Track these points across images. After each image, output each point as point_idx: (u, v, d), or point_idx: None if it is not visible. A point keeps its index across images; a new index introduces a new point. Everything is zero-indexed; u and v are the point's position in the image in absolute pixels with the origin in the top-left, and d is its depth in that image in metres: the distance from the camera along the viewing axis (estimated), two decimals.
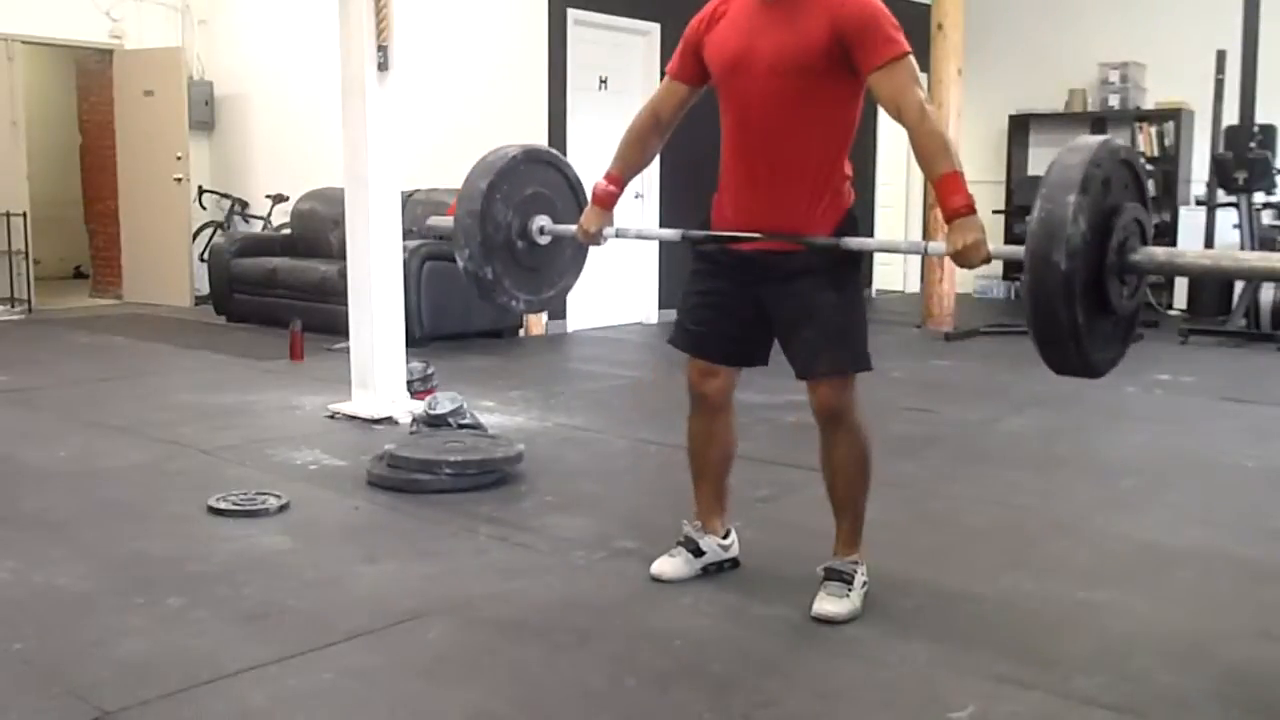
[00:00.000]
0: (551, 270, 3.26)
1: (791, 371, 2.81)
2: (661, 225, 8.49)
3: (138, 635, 2.63)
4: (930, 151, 2.55)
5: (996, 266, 10.51)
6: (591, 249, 3.20)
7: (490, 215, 3.06)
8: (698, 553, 3.02)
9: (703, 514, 3.05)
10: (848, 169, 2.78)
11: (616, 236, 3.10)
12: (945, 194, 2.51)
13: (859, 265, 2.86)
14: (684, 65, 2.88)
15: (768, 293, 2.79)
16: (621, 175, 3.03)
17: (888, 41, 2.58)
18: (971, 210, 2.51)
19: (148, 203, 9.40)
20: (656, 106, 2.97)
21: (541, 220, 3.13)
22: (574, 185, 3.25)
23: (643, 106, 3.03)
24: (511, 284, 3.14)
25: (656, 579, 2.99)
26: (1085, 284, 2.21)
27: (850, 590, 2.77)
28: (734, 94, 2.76)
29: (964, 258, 2.52)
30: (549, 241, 3.16)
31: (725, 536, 3.07)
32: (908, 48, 2.60)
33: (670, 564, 3.02)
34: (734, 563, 3.08)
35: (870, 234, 10.52)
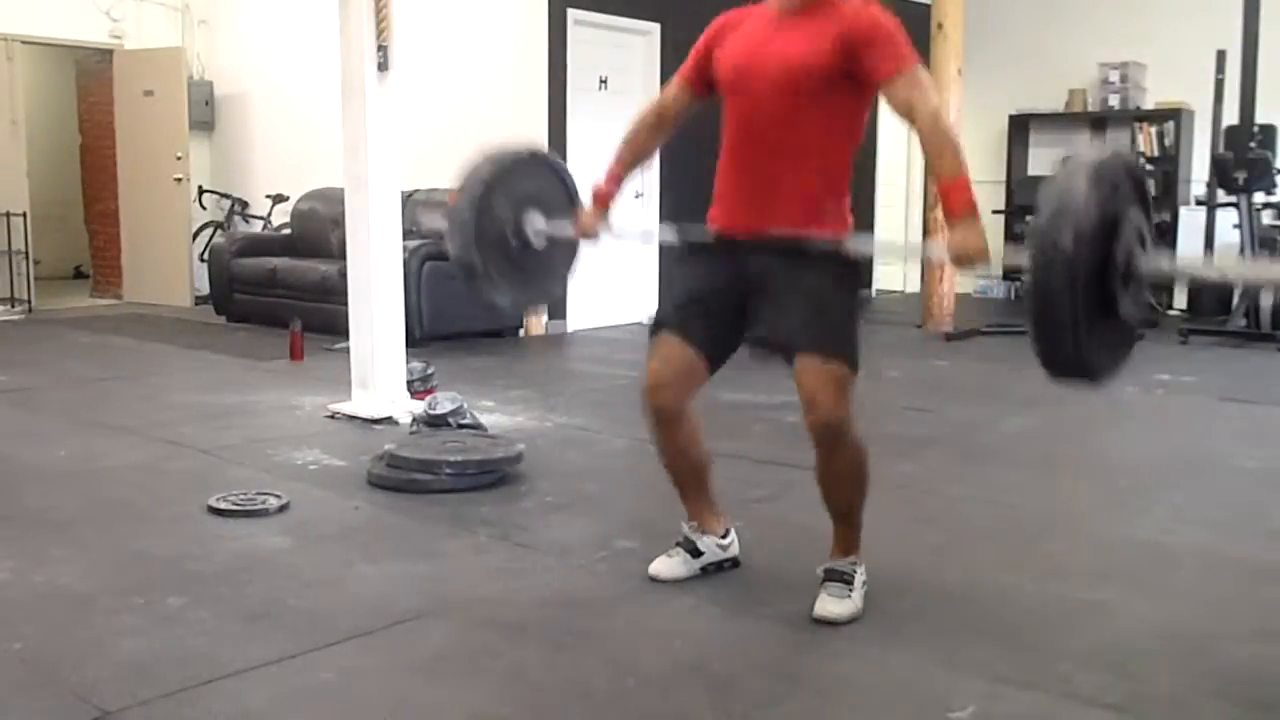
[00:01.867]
0: (541, 273, 3.24)
1: (790, 371, 2.76)
2: (662, 225, 8.49)
3: (138, 635, 2.63)
4: (937, 154, 2.57)
5: (997, 266, 10.51)
6: (586, 252, 3.19)
7: (488, 208, 3.05)
8: (695, 553, 3.02)
9: (696, 517, 3.04)
10: (847, 199, 2.78)
11: (615, 238, 3.10)
12: (949, 196, 2.53)
13: (857, 272, 2.83)
14: (694, 71, 2.89)
15: (756, 274, 2.73)
16: (621, 173, 3.03)
17: (897, 55, 2.60)
18: (973, 213, 2.52)
19: (148, 203, 9.41)
20: (662, 107, 2.97)
21: (538, 223, 3.13)
22: (572, 196, 3.24)
23: (648, 104, 3.02)
24: (499, 277, 3.12)
25: (654, 579, 2.99)
26: (1090, 277, 2.20)
27: (851, 590, 2.76)
28: (738, 107, 2.77)
29: (963, 260, 2.52)
30: (544, 245, 3.15)
31: (724, 536, 3.07)
32: (918, 59, 2.62)
33: (667, 564, 3.02)
34: (734, 562, 3.08)
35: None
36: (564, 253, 3.22)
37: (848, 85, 2.65)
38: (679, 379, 2.84)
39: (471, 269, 3.07)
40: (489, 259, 3.08)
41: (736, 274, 2.77)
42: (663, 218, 8.40)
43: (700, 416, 2.94)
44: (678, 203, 8.34)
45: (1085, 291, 2.19)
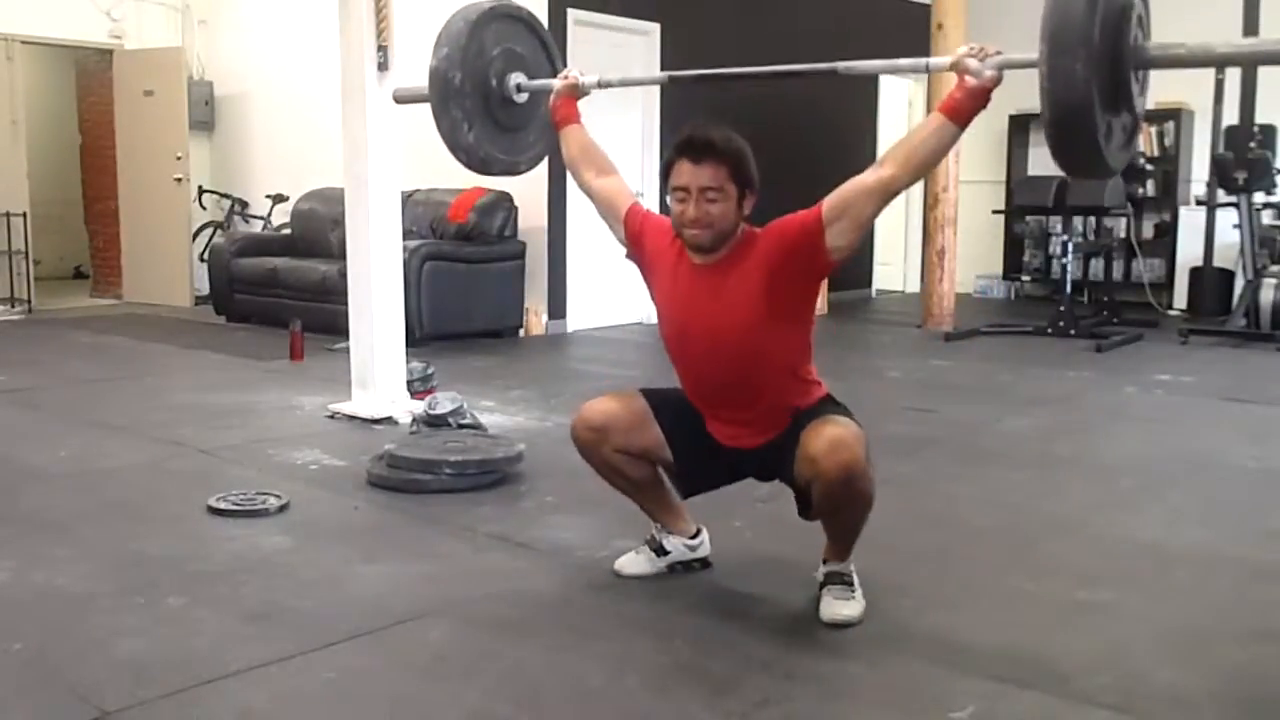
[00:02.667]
0: (512, 131, 3.30)
1: (782, 478, 2.78)
2: None
3: (138, 635, 2.63)
4: (919, 141, 2.60)
5: (996, 266, 10.51)
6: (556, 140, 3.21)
7: (480, 41, 3.12)
8: (661, 551, 3.03)
9: (658, 521, 3.04)
10: (814, 379, 2.80)
11: (599, 86, 3.14)
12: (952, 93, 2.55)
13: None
14: (633, 241, 2.92)
15: (751, 467, 2.85)
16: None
17: (804, 218, 2.61)
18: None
19: (148, 203, 9.41)
20: (604, 193, 3.01)
21: (518, 77, 3.16)
22: (547, 46, 3.34)
23: (589, 163, 3.08)
24: (472, 111, 3.17)
25: (618, 574, 3.01)
26: (1103, 63, 2.22)
27: (854, 591, 2.76)
28: (684, 363, 2.83)
29: (970, 65, 2.51)
30: (524, 100, 3.22)
31: (694, 536, 3.06)
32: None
33: (632, 560, 3.04)
34: (704, 563, 3.07)
35: (870, 237, 10.52)
36: (539, 125, 3.28)
37: (788, 290, 2.66)
38: (606, 425, 2.86)
39: (448, 84, 3.08)
40: (465, 93, 3.10)
41: (728, 452, 2.84)
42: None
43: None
44: None
45: (1099, 75, 2.20)
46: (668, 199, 2.74)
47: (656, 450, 2.88)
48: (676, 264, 2.78)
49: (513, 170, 3.42)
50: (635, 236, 2.92)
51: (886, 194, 2.60)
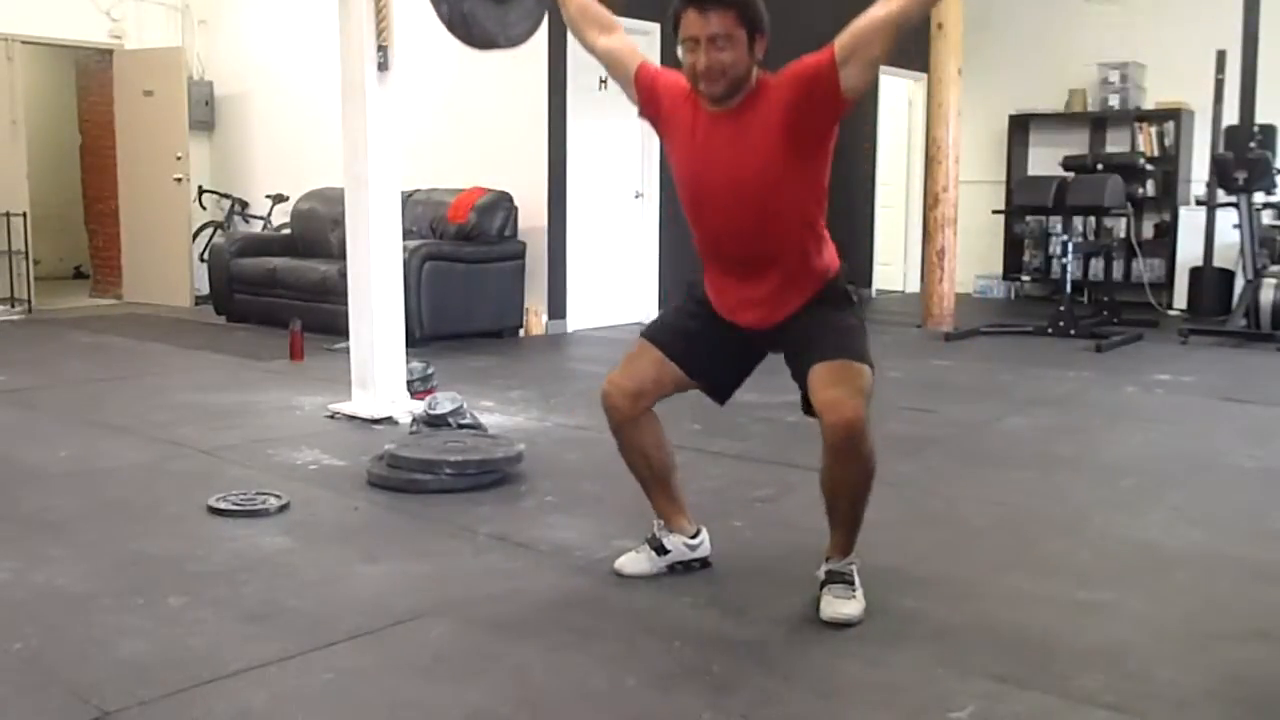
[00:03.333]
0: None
1: (790, 371, 2.80)
2: (662, 226, 8.51)
3: (138, 635, 2.63)
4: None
5: (996, 266, 10.52)
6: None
7: None
8: (661, 550, 3.03)
9: (662, 516, 3.05)
10: (825, 240, 2.80)
11: None
12: None
13: (855, 309, 2.85)
14: (645, 98, 2.89)
15: (766, 344, 2.88)
16: None
17: (818, 60, 2.58)
18: None
19: (148, 203, 9.41)
20: (613, 53, 2.96)
21: None
22: None
23: (590, 22, 3.02)
24: None
25: (618, 573, 3.02)
26: None
27: (855, 590, 2.76)
28: (700, 219, 2.82)
29: None
30: None
31: (694, 536, 3.06)
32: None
33: (632, 560, 3.04)
34: (704, 562, 3.07)
35: (870, 237, 10.53)
36: None
37: (807, 136, 2.65)
38: (640, 388, 2.88)
39: None
40: None
41: (739, 335, 2.87)
42: (662, 217, 8.41)
43: (661, 424, 2.98)
44: (678, 203, 8.34)
45: None
46: (678, 51, 2.73)
47: (686, 385, 2.92)
48: (693, 117, 2.75)
49: (514, 33, 3.30)
50: (648, 95, 2.88)
51: (897, 29, 2.54)
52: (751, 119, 2.66)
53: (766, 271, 2.77)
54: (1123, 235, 9.65)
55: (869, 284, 10.65)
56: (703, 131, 2.74)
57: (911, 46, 8.19)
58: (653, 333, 2.96)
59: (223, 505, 3.59)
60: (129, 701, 2.28)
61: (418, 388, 5.24)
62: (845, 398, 2.58)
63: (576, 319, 8.14)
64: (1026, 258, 10.38)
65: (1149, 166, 9.53)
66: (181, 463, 4.26)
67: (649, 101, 2.89)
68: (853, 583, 2.77)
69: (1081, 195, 8.06)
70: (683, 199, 2.85)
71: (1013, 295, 10.55)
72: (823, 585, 2.78)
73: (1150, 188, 9.73)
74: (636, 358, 2.93)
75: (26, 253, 8.87)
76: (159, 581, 2.97)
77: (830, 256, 2.82)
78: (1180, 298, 9.38)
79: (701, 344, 2.90)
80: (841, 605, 2.72)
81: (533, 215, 7.81)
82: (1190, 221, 9.32)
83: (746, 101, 2.68)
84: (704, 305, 2.92)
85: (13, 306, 8.72)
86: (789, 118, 2.62)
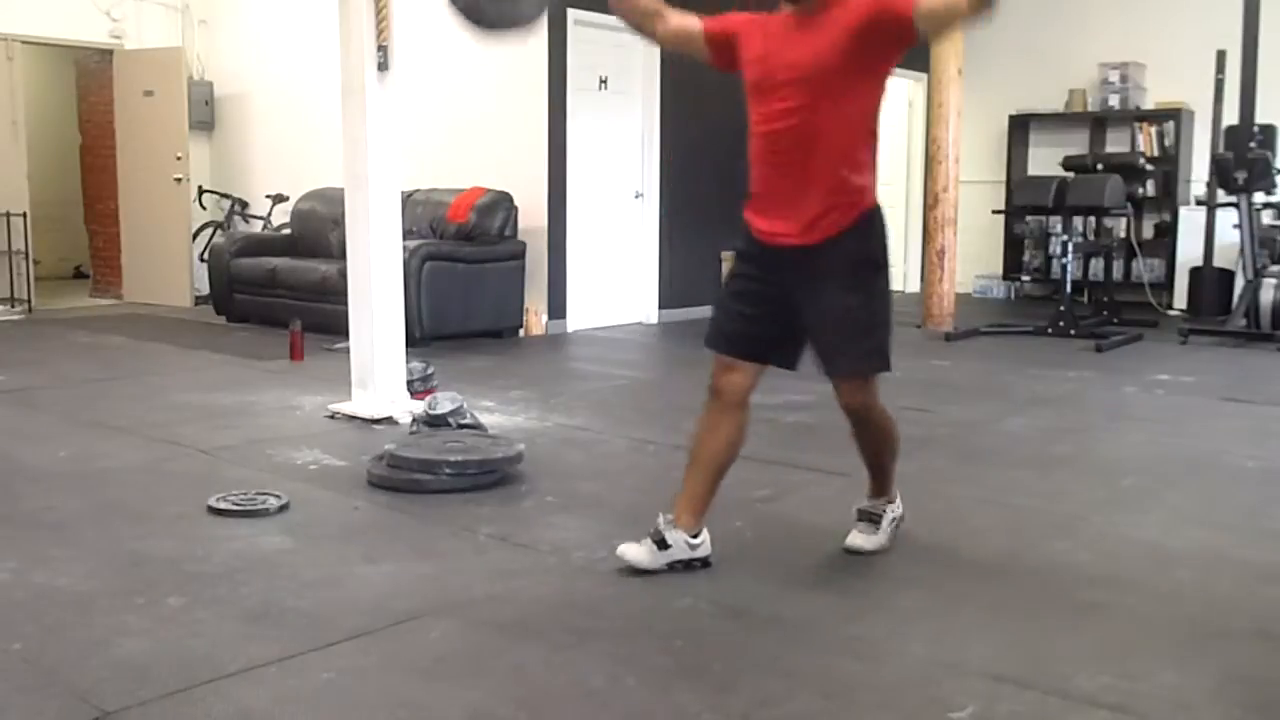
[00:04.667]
0: None
1: (790, 372, 3.07)
2: (661, 226, 8.52)
3: (138, 635, 2.63)
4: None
5: (996, 266, 10.52)
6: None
7: None
8: (663, 544, 3.03)
9: (680, 505, 3.06)
10: (870, 169, 2.94)
11: None
12: None
13: (882, 267, 3.00)
14: (719, 34, 3.04)
15: (799, 295, 2.97)
16: None
17: (903, 6, 2.71)
18: None
19: (148, 203, 9.41)
20: (677, 30, 3.10)
21: None
22: None
23: (672, 20, 3.13)
24: None
25: (620, 558, 3.05)
26: None
27: (878, 528, 3.17)
28: (761, 109, 2.95)
29: None
30: None
31: (695, 536, 3.07)
32: None
33: (635, 550, 3.06)
34: (704, 562, 3.08)
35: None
36: None
37: (862, 63, 2.81)
38: (741, 372, 3.04)
39: None
40: None
41: (780, 287, 2.99)
42: (662, 218, 8.41)
43: (747, 429, 3.08)
44: (678, 202, 8.36)
45: None
46: None
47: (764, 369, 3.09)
48: (766, 27, 2.96)
49: (522, 16, 3.30)
50: (721, 42, 3.04)
51: (961, 23, 2.74)
52: (825, 18, 2.85)
53: (810, 180, 2.89)
54: (1123, 235, 9.65)
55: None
56: (776, 35, 2.93)
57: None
58: (717, 342, 3.08)
59: (222, 505, 3.59)
60: (129, 701, 2.28)
61: (418, 388, 5.24)
62: (856, 391, 3.03)
63: (576, 319, 8.14)
64: (1026, 258, 10.38)
65: (1149, 166, 9.52)
66: (181, 463, 4.26)
67: (725, 47, 3.04)
68: (878, 521, 3.18)
69: (1081, 195, 8.06)
70: (749, 97, 2.99)
71: (1013, 295, 10.55)
72: (855, 520, 3.21)
73: (1150, 188, 9.73)
74: (726, 370, 3.05)
75: (27, 253, 8.87)
76: (159, 582, 2.97)
77: (871, 189, 2.96)
78: (1180, 298, 9.38)
79: (758, 327, 3.03)
80: (856, 537, 3.17)
81: (533, 215, 7.81)
82: (1190, 221, 9.32)
83: (825, 5, 2.86)
84: (748, 263, 3.05)
85: (13, 306, 8.72)
86: (858, 31, 2.78)
